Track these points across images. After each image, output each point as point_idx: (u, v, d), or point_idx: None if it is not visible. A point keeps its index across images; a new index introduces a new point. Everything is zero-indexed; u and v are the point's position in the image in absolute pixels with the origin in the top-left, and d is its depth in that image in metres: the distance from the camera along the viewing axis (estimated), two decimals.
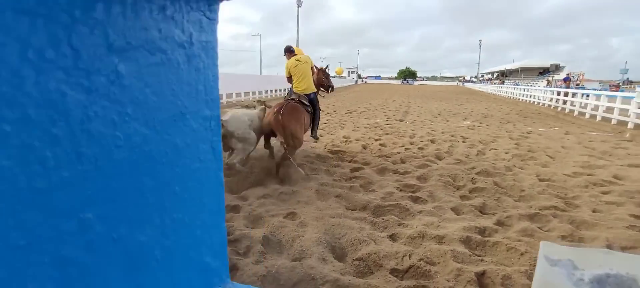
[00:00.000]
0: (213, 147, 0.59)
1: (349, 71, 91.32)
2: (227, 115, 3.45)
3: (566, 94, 13.24)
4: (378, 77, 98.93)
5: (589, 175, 4.38)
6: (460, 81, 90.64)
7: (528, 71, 49.91)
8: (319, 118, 4.74)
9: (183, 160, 0.52)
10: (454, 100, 23.30)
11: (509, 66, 54.79)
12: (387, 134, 7.39)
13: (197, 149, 0.55)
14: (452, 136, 7.29)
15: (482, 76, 75.94)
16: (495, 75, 70.01)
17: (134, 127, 0.44)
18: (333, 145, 6.02)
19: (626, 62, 54.64)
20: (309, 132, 4.55)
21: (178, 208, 0.52)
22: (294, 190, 3.57)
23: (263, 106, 4.02)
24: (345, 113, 12.00)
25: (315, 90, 4.52)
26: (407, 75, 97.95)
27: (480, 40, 69.92)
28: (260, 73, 47.68)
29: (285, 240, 2.50)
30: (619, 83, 23.42)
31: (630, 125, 8.75)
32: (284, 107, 3.78)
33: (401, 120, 10.03)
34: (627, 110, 9.84)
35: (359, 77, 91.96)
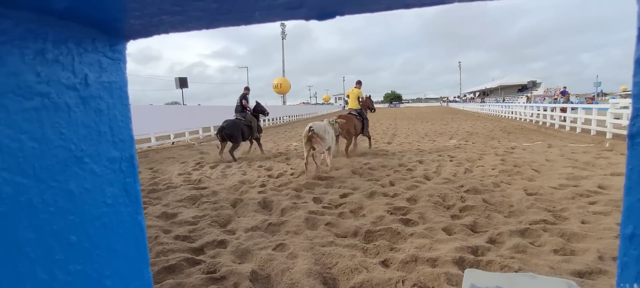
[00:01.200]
0: (126, 189, 0.56)
1: (335, 97, 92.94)
2: (313, 124, 5.63)
3: (563, 110, 13.52)
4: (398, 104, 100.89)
5: (574, 186, 4.45)
6: (444, 101, 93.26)
7: (507, 89, 51.83)
8: (368, 125, 8.25)
9: (81, 207, 0.49)
10: (439, 120, 23.73)
11: (489, 85, 56.84)
12: (375, 157, 7.41)
13: (102, 193, 0.52)
14: (440, 156, 7.37)
15: (465, 96, 78.30)
16: (477, 94, 72.37)
17: (2, 177, 0.41)
18: (321, 171, 5.99)
19: (597, 76, 57.81)
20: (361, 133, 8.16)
21: (75, 259, 0.48)
22: (283, 221, 3.50)
23: (332, 119, 6.46)
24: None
25: (359, 108, 8.15)
26: (393, 98, 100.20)
27: (459, 62, 72.86)
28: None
29: (275, 273, 2.41)
30: (593, 96, 24.49)
31: (608, 135, 9.04)
32: (342, 116, 7.40)
33: (389, 143, 10.12)
34: (604, 121, 10.23)
35: (346, 103, 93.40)
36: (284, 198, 4.28)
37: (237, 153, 8.00)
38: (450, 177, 5.19)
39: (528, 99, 28.46)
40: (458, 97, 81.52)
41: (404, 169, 6.04)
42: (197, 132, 13.49)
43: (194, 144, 11.66)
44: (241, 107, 8.33)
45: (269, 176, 5.82)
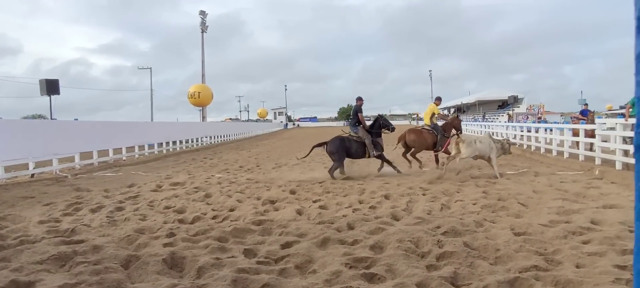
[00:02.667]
0: None
1: (276, 112, 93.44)
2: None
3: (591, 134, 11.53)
4: (314, 119, 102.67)
5: (566, 223, 4.95)
6: (413, 119, 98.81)
7: (486, 104, 56.96)
8: (442, 137, 10.63)
9: None
10: None
11: (465, 100, 61.96)
12: (328, 193, 7.51)
13: None
14: (410, 188, 7.71)
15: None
16: (453, 110, 78.19)
17: None
18: (256, 212, 5.87)
19: (582, 92, 66.92)
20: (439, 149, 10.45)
21: None
22: (200, 285, 3.30)
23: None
24: (273, 167, 12.01)
25: (430, 123, 10.86)
26: (350, 114, 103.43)
27: (430, 71, 78.49)
28: (152, 119, 45.82)
29: None
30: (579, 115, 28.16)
31: (597, 161, 10.35)
32: (412, 129, 10.90)
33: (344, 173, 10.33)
34: (592, 144, 11.71)
35: (289, 119, 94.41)
36: (201, 253, 4.08)
37: (338, 172, 9.47)
38: (424, 216, 5.43)
39: (510, 118, 31.53)
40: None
41: (365, 207, 6.18)
42: (72, 159, 12.37)
43: (66, 176, 10.66)
44: (356, 122, 9.87)
45: (180, 221, 5.53)
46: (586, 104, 16.84)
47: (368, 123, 10.04)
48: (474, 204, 6.16)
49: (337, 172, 9.40)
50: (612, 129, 10.64)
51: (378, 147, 9.78)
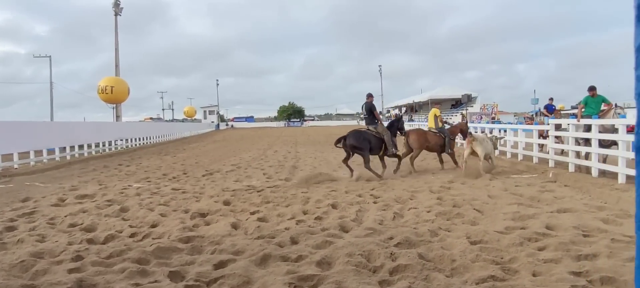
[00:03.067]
0: None
1: (206, 111, 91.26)
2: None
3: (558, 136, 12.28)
4: (250, 119, 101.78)
5: (521, 229, 5.32)
6: (362, 119, 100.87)
7: (439, 103, 59.93)
8: (450, 141, 12.16)
9: None
10: None
11: (417, 98, 64.73)
12: (268, 202, 7.47)
13: None
14: (360, 196, 7.88)
15: (388, 111, 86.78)
16: (404, 109, 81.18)
17: None
18: (183, 227, 5.69)
19: (534, 91, 72.33)
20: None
21: None
22: None
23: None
24: (204, 175, 11.72)
25: (434, 126, 12.40)
26: (292, 113, 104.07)
27: (380, 66, 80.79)
28: (52, 118, 42.80)
29: None
30: (532, 115, 30.32)
31: (551, 164, 11.24)
32: (413, 131, 12.31)
33: (288, 179, 10.35)
34: (545, 145, 12.68)
35: (222, 119, 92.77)
36: (117, 278, 3.87)
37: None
38: (376, 226, 5.57)
39: (463, 117, 33.31)
40: (379, 112, 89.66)
41: (310, 218, 6.21)
42: None
43: None
44: (373, 118, 10.92)
45: (90, 241, 5.21)
46: (551, 99, 16.87)
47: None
48: (428, 212, 6.42)
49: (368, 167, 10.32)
50: (565, 130, 11.55)
51: (395, 146, 10.92)
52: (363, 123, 11.47)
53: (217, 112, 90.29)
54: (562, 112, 23.80)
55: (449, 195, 7.83)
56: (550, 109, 16.49)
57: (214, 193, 8.51)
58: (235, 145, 26.23)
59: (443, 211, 6.42)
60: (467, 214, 6.21)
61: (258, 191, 8.64)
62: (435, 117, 12.50)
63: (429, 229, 5.36)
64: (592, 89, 10.88)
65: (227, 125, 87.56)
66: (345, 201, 7.38)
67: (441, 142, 12.11)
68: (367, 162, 10.38)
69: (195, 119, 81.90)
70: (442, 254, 4.40)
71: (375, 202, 7.29)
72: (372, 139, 10.65)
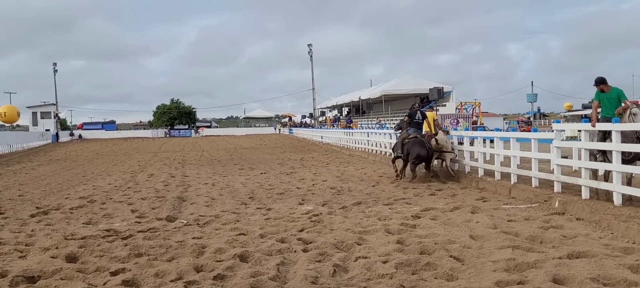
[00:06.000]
0: None
1: (37, 113, 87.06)
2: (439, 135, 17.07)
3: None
4: (110, 126, 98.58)
5: (519, 284, 5.49)
6: (284, 125, 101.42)
7: (397, 100, 61.33)
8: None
9: None
10: (277, 162, 25.58)
11: (365, 93, 65.83)
12: (139, 255, 7.25)
13: None
14: (282, 240, 7.84)
15: (323, 114, 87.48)
16: (346, 111, 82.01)
17: None
18: None
19: (532, 83, 75.62)
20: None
21: None
22: None
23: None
24: (33, 215, 11.11)
25: (435, 132, 18.46)
26: (177, 117, 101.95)
27: (310, 47, 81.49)
28: None
29: None
30: (529, 118, 31.88)
31: (556, 188, 11.75)
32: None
33: (170, 220, 10.13)
34: (549, 162, 13.21)
35: (64, 125, 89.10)
36: None
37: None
38: (305, 287, 5.52)
39: (435, 123, 34.38)
40: (310, 116, 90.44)
41: (207, 278, 6.08)
42: None
43: None
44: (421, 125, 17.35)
45: None
46: (539, 111, 20.13)
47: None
48: (384, 262, 6.45)
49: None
50: (574, 138, 12.06)
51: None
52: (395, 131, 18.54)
53: (56, 115, 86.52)
54: (569, 113, 25.23)
55: (414, 236, 7.94)
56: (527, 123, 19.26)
57: (51, 243, 8.08)
58: (86, 167, 25.35)
59: (406, 261, 6.46)
60: (441, 264, 6.30)
61: (124, 238, 8.34)
62: (434, 121, 16.97)
63: None
64: (600, 82, 11.18)
65: (72, 135, 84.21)
66: (260, 249, 7.28)
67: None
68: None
69: (17, 126, 77.86)
70: None
71: (305, 250, 7.23)
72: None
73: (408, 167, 16.41)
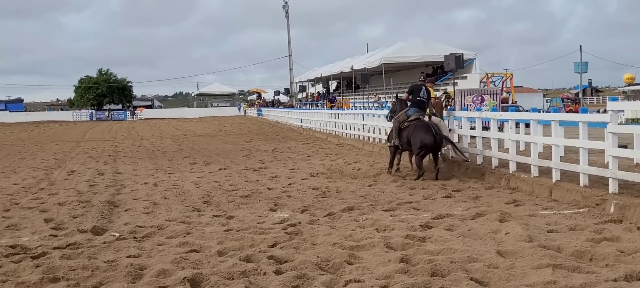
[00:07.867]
0: None
1: None
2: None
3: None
4: (16, 105, 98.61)
5: None
6: (251, 104, 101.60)
7: (402, 71, 61.48)
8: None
9: None
10: (241, 155, 25.77)
11: (359, 63, 65.83)
12: (55, 281, 7.10)
13: None
14: (247, 259, 7.78)
15: (303, 89, 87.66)
16: (335, 85, 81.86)
17: None
18: None
19: (580, 48, 74.72)
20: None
21: None
22: None
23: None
24: None
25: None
26: (107, 94, 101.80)
27: (286, 2, 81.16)
28: None
29: None
30: (576, 94, 32.03)
31: (612, 188, 11.69)
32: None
33: (99, 231, 9.98)
34: (602, 152, 13.16)
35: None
36: None
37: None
38: None
39: (448, 98, 34.32)
40: (284, 92, 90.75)
41: None
42: None
43: None
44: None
45: None
46: (589, 85, 19.92)
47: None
48: (383, 287, 6.38)
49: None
50: (636, 121, 12.04)
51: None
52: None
53: None
54: (629, 87, 25.48)
55: (423, 252, 7.89)
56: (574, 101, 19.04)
57: None
58: None
59: (412, 285, 6.38)
60: None
61: (34, 257, 8.24)
62: (435, 99, 16.83)
63: None
64: None
65: None
66: (219, 271, 7.18)
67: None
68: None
69: None
70: None
71: (278, 272, 7.13)
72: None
73: (413, 160, 16.56)
